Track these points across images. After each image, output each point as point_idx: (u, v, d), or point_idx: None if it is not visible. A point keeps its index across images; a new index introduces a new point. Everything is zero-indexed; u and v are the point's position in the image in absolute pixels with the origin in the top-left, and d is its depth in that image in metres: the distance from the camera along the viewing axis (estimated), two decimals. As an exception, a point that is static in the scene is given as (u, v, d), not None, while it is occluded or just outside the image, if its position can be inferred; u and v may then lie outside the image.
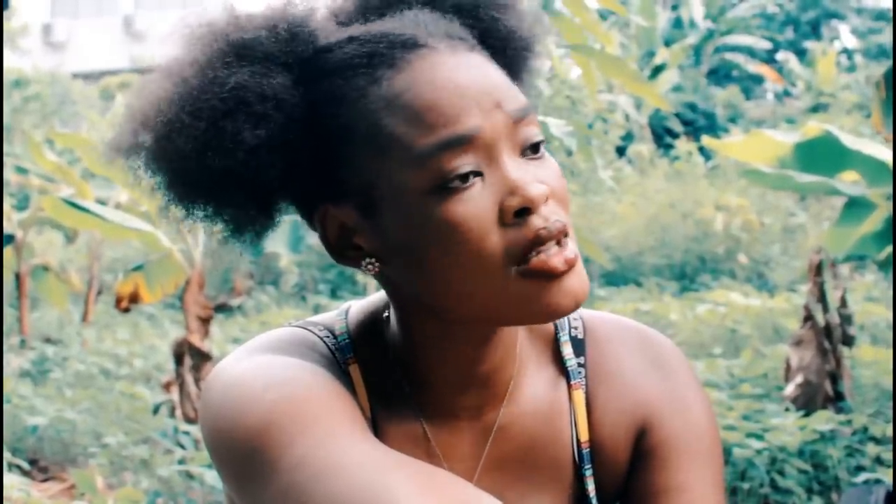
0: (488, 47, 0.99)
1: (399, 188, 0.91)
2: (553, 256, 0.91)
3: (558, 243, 0.92)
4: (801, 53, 24.30)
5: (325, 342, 1.02)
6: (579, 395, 1.06)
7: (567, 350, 1.07)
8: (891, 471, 4.48)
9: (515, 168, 0.92)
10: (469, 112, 0.90)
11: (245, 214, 0.97)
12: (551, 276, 0.91)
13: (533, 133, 0.94)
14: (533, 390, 1.05)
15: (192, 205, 0.96)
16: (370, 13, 0.99)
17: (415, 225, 0.91)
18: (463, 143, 0.90)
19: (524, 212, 0.90)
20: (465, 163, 0.90)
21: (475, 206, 0.90)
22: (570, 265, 0.91)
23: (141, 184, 0.96)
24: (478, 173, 0.91)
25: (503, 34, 1.02)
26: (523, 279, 0.91)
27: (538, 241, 0.91)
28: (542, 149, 0.95)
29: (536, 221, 0.90)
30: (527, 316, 0.93)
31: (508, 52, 1.02)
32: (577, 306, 0.93)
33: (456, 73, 0.92)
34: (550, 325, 1.08)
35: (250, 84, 0.92)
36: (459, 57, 0.93)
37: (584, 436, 1.05)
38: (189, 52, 0.95)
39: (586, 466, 1.05)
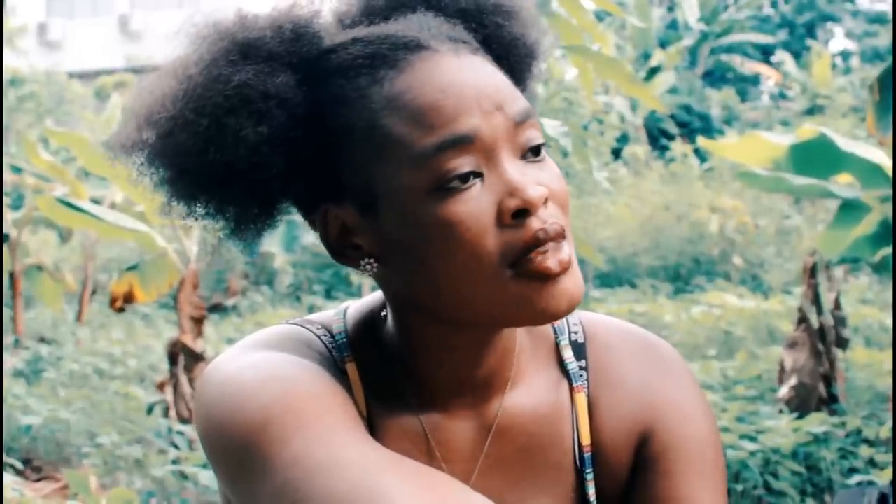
0: (491, 53, 0.99)
1: (398, 188, 0.91)
2: (548, 258, 0.91)
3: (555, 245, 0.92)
4: (796, 56, 24.33)
5: (322, 340, 1.02)
6: (581, 399, 1.06)
7: (567, 354, 1.07)
8: (883, 473, 4.49)
9: (515, 170, 0.91)
10: (469, 113, 0.91)
11: (246, 212, 0.97)
12: (546, 277, 0.91)
13: (534, 136, 0.94)
14: (533, 392, 1.05)
15: (193, 201, 0.96)
16: (375, 16, 0.99)
17: (413, 225, 0.91)
18: (462, 143, 0.90)
19: (522, 213, 0.90)
20: (464, 163, 0.90)
21: (474, 206, 0.90)
22: (565, 267, 0.91)
23: (143, 180, 0.96)
24: (477, 174, 0.91)
25: (506, 41, 1.02)
26: (518, 280, 0.91)
27: (535, 243, 0.90)
28: (543, 151, 0.95)
29: (534, 223, 0.90)
30: (522, 318, 0.93)
31: (511, 59, 1.02)
32: (570, 309, 0.93)
33: (457, 75, 0.92)
34: (550, 330, 1.08)
35: (254, 82, 0.93)
36: (462, 59, 0.93)
37: (586, 439, 1.05)
38: (195, 50, 0.96)
39: (587, 470, 1.05)
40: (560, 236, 0.91)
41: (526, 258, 0.90)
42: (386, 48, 0.93)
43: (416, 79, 0.91)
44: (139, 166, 0.96)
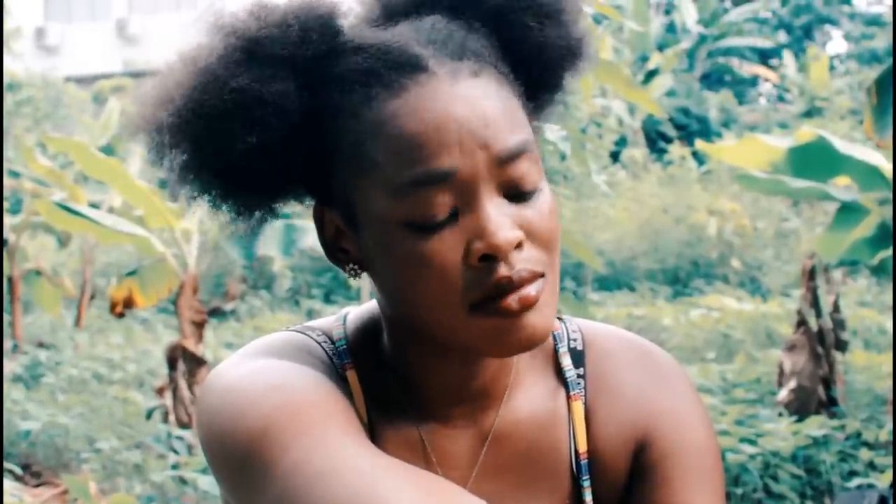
0: (510, 58, 0.97)
1: (375, 212, 0.92)
2: (509, 295, 0.90)
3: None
4: (794, 58, 24.34)
5: (322, 347, 1.03)
6: (578, 406, 1.06)
7: (566, 361, 1.07)
8: (883, 475, 4.49)
9: (492, 210, 0.90)
10: (449, 150, 0.89)
11: (247, 202, 0.99)
12: (506, 314, 0.90)
13: (525, 170, 0.91)
14: (531, 400, 1.05)
15: (198, 189, 0.98)
16: (395, 13, 0.98)
17: (385, 250, 0.92)
18: (438, 180, 0.89)
19: (491, 258, 0.90)
20: (440, 200, 0.89)
21: (443, 244, 0.90)
22: (526, 304, 0.90)
23: (157, 164, 0.98)
24: (453, 212, 0.90)
25: (532, 44, 0.98)
26: (480, 316, 0.91)
27: (499, 290, 0.90)
28: (539, 185, 0.93)
29: (501, 270, 0.89)
30: (484, 350, 0.94)
31: (533, 67, 0.99)
32: (531, 345, 0.92)
33: (447, 107, 0.90)
34: (549, 337, 1.07)
35: (251, 88, 0.93)
36: (457, 86, 0.91)
37: (583, 446, 1.05)
38: (207, 42, 0.96)
39: (584, 477, 1.05)
40: (529, 281, 0.90)
41: (488, 302, 0.90)
42: (382, 66, 0.92)
43: (405, 105, 0.90)
44: (149, 152, 0.98)
